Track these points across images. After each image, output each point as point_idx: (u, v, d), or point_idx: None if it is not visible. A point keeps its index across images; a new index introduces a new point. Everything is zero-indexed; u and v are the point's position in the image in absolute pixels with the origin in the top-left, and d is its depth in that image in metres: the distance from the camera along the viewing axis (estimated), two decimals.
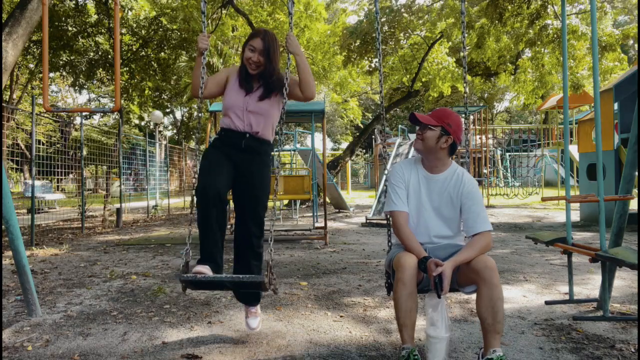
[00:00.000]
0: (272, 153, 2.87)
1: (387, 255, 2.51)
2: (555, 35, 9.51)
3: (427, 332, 2.14)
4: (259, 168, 2.58)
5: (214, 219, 2.43)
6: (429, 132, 2.29)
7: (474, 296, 2.20)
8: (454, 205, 2.33)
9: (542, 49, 10.38)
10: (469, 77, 14.30)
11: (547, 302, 3.24)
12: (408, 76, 15.17)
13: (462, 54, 2.85)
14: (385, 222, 8.80)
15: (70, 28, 12.48)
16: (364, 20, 12.65)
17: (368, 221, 9.12)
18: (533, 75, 11.84)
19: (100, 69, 14.48)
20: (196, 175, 2.54)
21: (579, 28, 9.91)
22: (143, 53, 14.29)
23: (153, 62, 14.34)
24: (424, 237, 2.34)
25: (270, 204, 2.69)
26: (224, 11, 13.34)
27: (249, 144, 2.54)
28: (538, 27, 9.14)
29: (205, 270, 2.35)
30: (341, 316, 3.13)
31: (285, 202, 12.27)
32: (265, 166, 2.61)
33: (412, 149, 12.65)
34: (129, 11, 13.22)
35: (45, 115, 10.73)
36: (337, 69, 17.10)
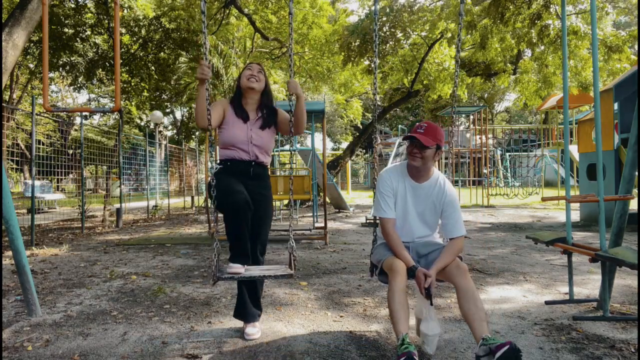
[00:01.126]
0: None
1: (374, 249, 2.75)
2: (556, 36, 9.50)
3: (423, 331, 2.43)
4: (264, 192, 2.83)
5: (245, 223, 2.64)
6: (428, 151, 2.50)
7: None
8: (436, 211, 2.62)
9: (546, 49, 10.34)
10: (468, 80, 14.29)
11: (547, 302, 3.24)
12: (409, 77, 15.15)
13: (457, 55, 2.86)
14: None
15: (67, 30, 12.45)
16: (365, 19, 12.62)
17: (368, 221, 9.12)
18: (536, 76, 11.79)
19: (100, 69, 14.48)
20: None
21: (580, 28, 9.89)
22: (142, 54, 14.27)
23: (151, 65, 14.32)
24: (408, 237, 2.64)
25: (285, 201, 2.97)
26: (227, 11, 13.34)
27: (257, 171, 2.78)
28: (539, 27, 9.12)
29: (240, 269, 2.59)
30: (341, 316, 3.13)
31: (285, 202, 12.27)
32: (268, 189, 2.89)
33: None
34: (126, 10, 13.18)
35: (45, 115, 10.73)
36: (341, 70, 17.10)
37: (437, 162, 2.73)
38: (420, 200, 2.61)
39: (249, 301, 2.85)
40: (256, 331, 2.78)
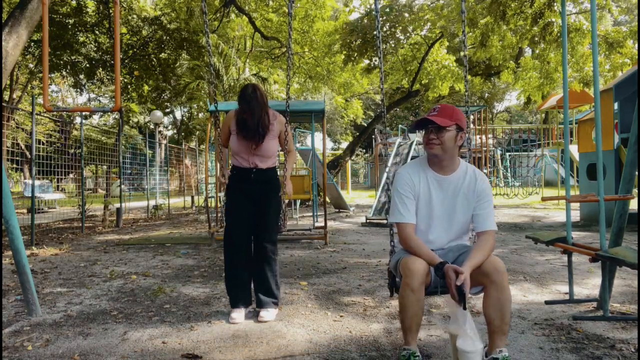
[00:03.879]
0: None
1: (391, 257, 2.45)
2: (559, 34, 9.48)
3: (460, 347, 1.96)
4: (268, 194, 3.13)
5: (242, 264, 3.10)
6: (447, 134, 2.14)
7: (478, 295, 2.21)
8: (469, 205, 2.24)
9: (547, 47, 10.32)
10: (468, 76, 14.29)
11: (547, 302, 3.24)
12: (408, 77, 15.13)
13: (462, 53, 2.86)
14: (385, 221, 8.81)
15: (68, 31, 12.43)
16: (365, 17, 12.60)
17: (368, 221, 9.12)
18: (538, 73, 11.78)
19: (101, 69, 14.46)
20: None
21: (583, 25, 9.86)
22: (142, 54, 14.26)
23: (154, 60, 14.29)
24: (435, 244, 2.26)
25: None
26: (226, 10, 13.34)
27: (257, 177, 3.10)
28: (542, 25, 9.10)
29: (241, 319, 3.00)
30: (341, 316, 3.13)
31: (286, 201, 12.26)
32: (273, 189, 3.16)
33: (412, 149, 12.60)
34: (131, 11, 13.19)
35: (45, 115, 10.73)
36: (341, 70, 17.09)
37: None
38: (448, 195, 2.21)
39: (258, 287, 3.13)
40: (269, 316, 3.03)
